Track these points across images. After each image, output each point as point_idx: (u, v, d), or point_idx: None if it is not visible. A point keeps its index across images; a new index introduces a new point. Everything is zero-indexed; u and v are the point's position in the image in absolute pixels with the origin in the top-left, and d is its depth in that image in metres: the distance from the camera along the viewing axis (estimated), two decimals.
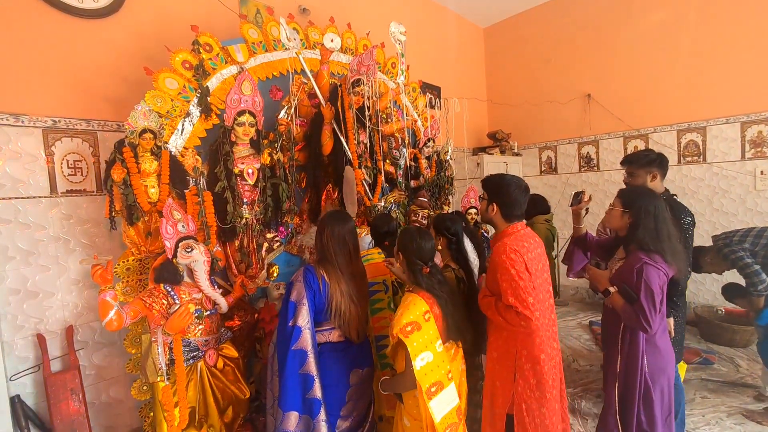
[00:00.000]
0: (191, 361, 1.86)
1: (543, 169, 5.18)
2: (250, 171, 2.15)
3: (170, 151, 1.98)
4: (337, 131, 2.42)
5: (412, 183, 3.09)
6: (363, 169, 2.55)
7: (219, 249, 2.14)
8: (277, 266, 2.49)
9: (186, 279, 1.88)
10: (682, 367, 2.31)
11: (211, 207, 2.02)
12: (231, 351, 2.03)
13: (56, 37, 2.14)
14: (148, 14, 2.45)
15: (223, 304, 1.98)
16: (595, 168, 4.69)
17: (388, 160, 2.89)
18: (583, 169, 4.80)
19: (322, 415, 1.62)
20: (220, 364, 1.96)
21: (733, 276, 2.63)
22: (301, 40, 2.61)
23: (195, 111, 2.08)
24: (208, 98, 2.12)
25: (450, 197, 3.42)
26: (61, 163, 2.16)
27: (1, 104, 1.99)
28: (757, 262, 2.33)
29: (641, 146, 4.26)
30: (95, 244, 2.25)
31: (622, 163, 2.22)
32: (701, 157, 3.96)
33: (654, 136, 4.21)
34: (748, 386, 2.78)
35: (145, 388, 1.98)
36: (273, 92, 2.49)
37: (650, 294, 1.58)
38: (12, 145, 2.02)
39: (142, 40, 2.40)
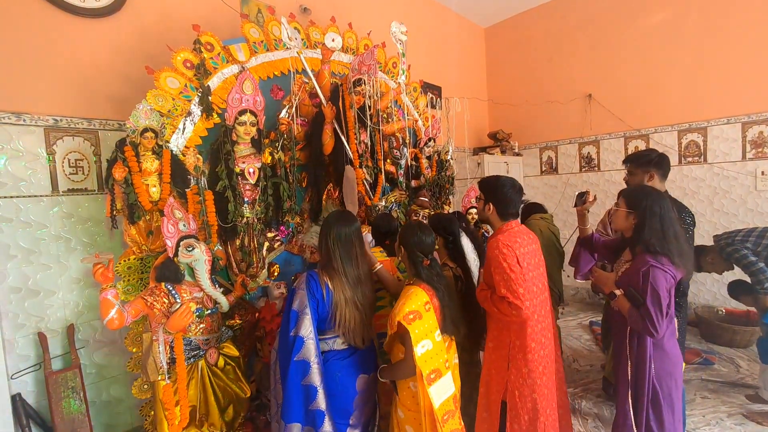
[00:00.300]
0: (192, 360, 1.87)
1: (544, 169, 5.18)
2: (251, 170, 2.15)
3: (171, 150, 1.98)
4: (338, 131, 2.43)
5: (413, 183, 3.09)
6: (364, 169, 2.55)
7: (220, 248, 2.15)
8: (277, 265, 2.49)
9: (187, 278, 1.88)
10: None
11: (212, 206, 2.02)
12: (232, 350, 2.03)
13: (58, 36, 2.14)
14: (150, 13, 2.45)
15: (224, 303, 1.99)
16: (596, 168, 4.69)
17: (388, 160, 2.89)
18: (583, 170, 4.80)
19: (327, 426, 1.57)
20: (221, 363, 1.96)
21: (734, 275, 2.63)
22: (303, 39, 2.61)
23: (196, 110, 2.08)
24: (210, 97, 2.12)
25: (450, 197, 3.42)
26: (63, 162, 2.16)
27: (2, 103, 2.00)
28: (761, 261, 2.33)
29: (642, 146, 4.27)
30: (96, 242, 2.25)
31: (624, 161, 2.29)
32: (702, 157, 3.97)
33: (655, 136, 4.21)
34: (748, 387, 2.78)
35: (145, 386, 1.98)
36: (274, 91, 2.49)
37: (657, 298, 1.57)
38: (13, 143, 2.02)
39: (144, 39, 2.40)
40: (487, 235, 3.03)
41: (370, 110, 2.53)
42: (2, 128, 1.99)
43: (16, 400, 1.97)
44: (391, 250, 2.14)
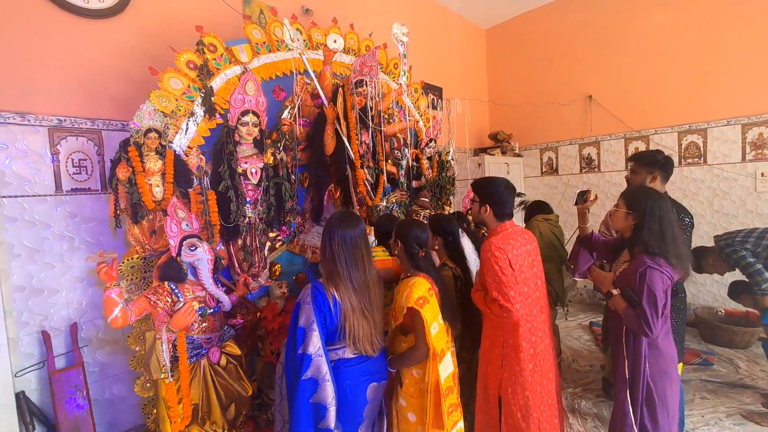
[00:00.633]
0: (195, 359, 1.88)
1: (544, 170, 5.19)
2: (253, 170, 2.16)
3: (175, 151, 2.00)
4: (340, 131, 2.44)
5: (414, 183, 3.11)
6: (365, 169, 2.56)
7: (222, 247, 2.16)
8: (279, 265, 2.51)
9: (190, 277, 1.90)
10: (679, 367, 2.32)
11: (214, 206, 2.04)
12: (234, 349, 2.04)
13: (62, 36, 2.16)
14: (153, 15, 2.47)
15: (227, 302, 2.00)
16: (596, 169, 4.70)
17: (390, 161, 2.91)
18: (584, 170, 4.81)
19: None
20: (223, 362, 1.97)
21: (734, 276, 2.63)
22: (304, 40, 2.62)
23: (199, 111, 2.10)
24: (212, 98, 2.14)
25: (451, 197, 3.44)
26: (66, 162, 2.18)
27: (7, 103, 2.01)
28: (760, 262, 2.34)
29: (642, 147, 4.28)
30: (99, 242, 2.27)
31: (629, 159, 2.30)
32: (702, 158, 3.98)
33: (655, 137, 4.22)
34: (747, 387, 2.79)
35: (148, 385, 2.00)
36: (276, 92, 2.51)
37: (653, 298, 1.59)
38: (18, 143, 2.04)
39: (147, 40, 2.42)
40: (487, 235, 3.05)
41: (371, 111, 2.54)
42: (7, 128, 2.01)
43: (20, 398, 1.99)
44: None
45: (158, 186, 1.92)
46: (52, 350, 2.07)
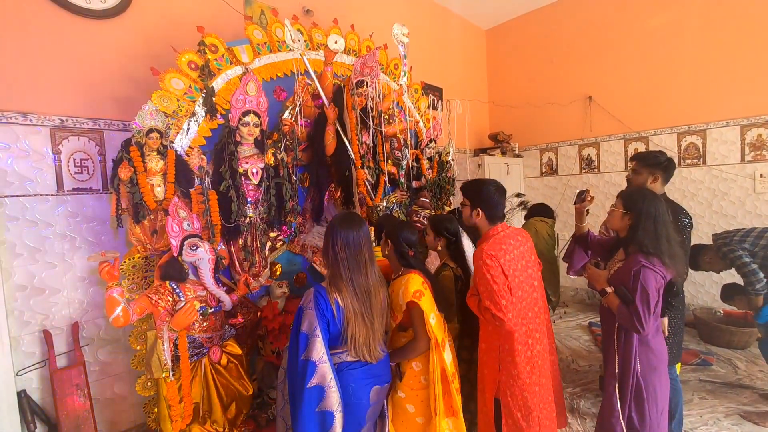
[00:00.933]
0: (195, 358, 1.89)
1: (544, 170, 5.20)
2: (254, 170, 2.17)
3: (176, 151, 2.00)
4: (340, 132, 2.45)
5: (414, 183, 3.12)
6: (365, 170, 2.57)
7: (223, 247, 2.17)
8: (279, 265, 2.52)
9: (191, 276, 1.91)
10: (678, 367, 2.33)
11: (215, 206, 2.05)
12: (234, 348, 2.05)
13: (64, 37, 2.17)
14: (155, 15, 2.48)
15: (228, 301, 2.01)
16: (596, 170, 4.71)
17: (390, 161, 2.92)
18: (583, 171, 4.82)
19: None
20: (223, 361, 1.98)
21: (731, 276, 2.65)
22: (305, 41, 2.63)
23: (200, 111, 2.11)
24: (214, 98, 2.14)
25: (451, 198, 3.45)
26: (68, 162, 2.19)
27: (9, 103, 2.02)
28: (756, 262, 2.35)
29: (642, 148, 4.29)
30: (101, 241, 2.28)
31: (631, 159, 2.28)
32: (701, 159, 3.99)
33: (654, 138, 4.23)
34: (745, 387, 2.80)
35: (149, 384, 2.01)
36: (277, 93, 2.51)
37: (646, 296, 1.62)
38: (20, 143, 2.05)
39: (149, 40, 2.43)
40: None
41: (372, 111, 2.55)
42: (9, 128, 2.02)
43: (22, 397, 2.00)
44: None
45: (160, 186, 1.93)
46: (53, 349, 2.08)
